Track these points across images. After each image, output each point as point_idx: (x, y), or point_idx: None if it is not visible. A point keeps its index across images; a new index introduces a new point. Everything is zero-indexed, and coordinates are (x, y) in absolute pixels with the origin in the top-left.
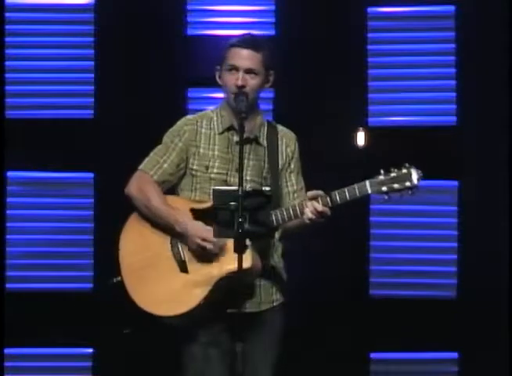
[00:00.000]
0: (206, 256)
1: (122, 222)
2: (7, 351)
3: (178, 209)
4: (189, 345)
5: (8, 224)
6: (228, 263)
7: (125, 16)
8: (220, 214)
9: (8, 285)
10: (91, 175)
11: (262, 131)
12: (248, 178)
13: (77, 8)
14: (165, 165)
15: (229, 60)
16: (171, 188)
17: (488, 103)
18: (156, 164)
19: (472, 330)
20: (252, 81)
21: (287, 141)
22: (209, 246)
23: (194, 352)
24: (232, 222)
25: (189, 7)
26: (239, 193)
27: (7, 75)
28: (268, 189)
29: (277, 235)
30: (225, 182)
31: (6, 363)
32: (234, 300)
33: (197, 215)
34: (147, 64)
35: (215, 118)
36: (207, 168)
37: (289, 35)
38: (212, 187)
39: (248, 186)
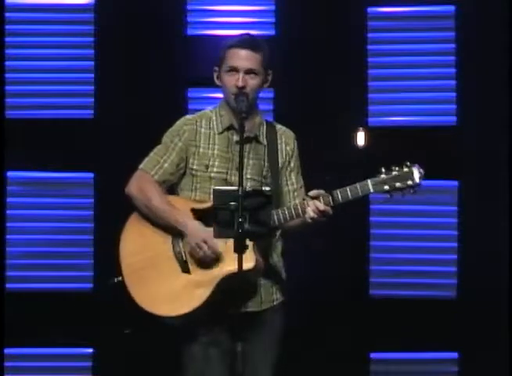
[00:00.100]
0: (203, 258)
1: (122, 222)
2: (7, 351)
3: (179, 209)
4: (189, 345)
5: (8, 224)
6: (229, 264)
7: (125, 16)
8: (220, 214)
9: (8, 285)
10: (91, 175)
11: (261, 130)
12: (248, 176)
13: (77, 8)
14: (166, 165)
15: (229, 61)
16: (170, 188)
17: (488, 103)
18: (156, 163)
19: (472, 330)
20: (252, 82)
21: (286, 139)
22: (205, 248)
23: (194, 352)
24: (232, 222)
25: (189, 7)
26: (240, 193)
27: (7, 75)
28: (268, 189)
29: (277, 234)
30: (225, 181)
31: (6, 363)
32: (235, 300)
33: (198, 215)
34: (147, 64)
35: (214, 118)
36: (206, 167)
37: (289, 35)
38: (212, 187)
39: (248, 185)
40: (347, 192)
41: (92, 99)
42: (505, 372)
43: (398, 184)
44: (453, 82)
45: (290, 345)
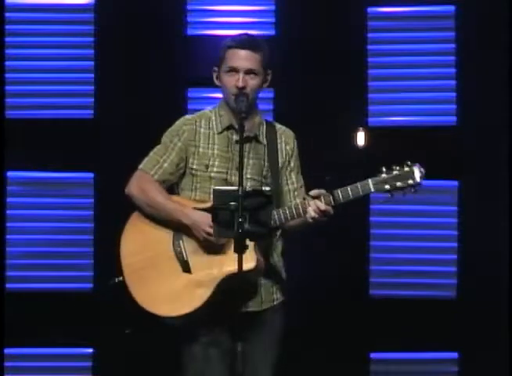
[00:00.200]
0: (212, 248)
1: (122, 222)
2: (7, 351)
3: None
4: (189, 345)
5: (8, 224)
6: (229, 264)
7: (125, 16)
8: (220, 214)
9: (8, 285)
10: (91, 175)
11: (261, 129)
12: (248, 176)
13: (77, 8)
14: (165, 165)
15: (228, 62)
16: (170, 188)
17: (488, 103)
18: (156, 163)
19: (472, 330)
20: (252, 82)
21: (286, 139)
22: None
23: (194, 352)
24: (232, 222)
25: (189, 7)
26: (240, 193)
27: (7, 75)
28: (268, 189)
29: (277, 234)
30: (225, 181)
31: (6, 363)
32: (236, 300)
33: None
34: (147, 64)
35: (214, 118)
36: (206, 166)
37: (289, 35)
38: (212, 187)
39: (248, 185)
40: (348, 191)
41: (92, 99)
42: (505, 372)
43: (399, 183)
44: (453, 82)
45: (290, 345)
